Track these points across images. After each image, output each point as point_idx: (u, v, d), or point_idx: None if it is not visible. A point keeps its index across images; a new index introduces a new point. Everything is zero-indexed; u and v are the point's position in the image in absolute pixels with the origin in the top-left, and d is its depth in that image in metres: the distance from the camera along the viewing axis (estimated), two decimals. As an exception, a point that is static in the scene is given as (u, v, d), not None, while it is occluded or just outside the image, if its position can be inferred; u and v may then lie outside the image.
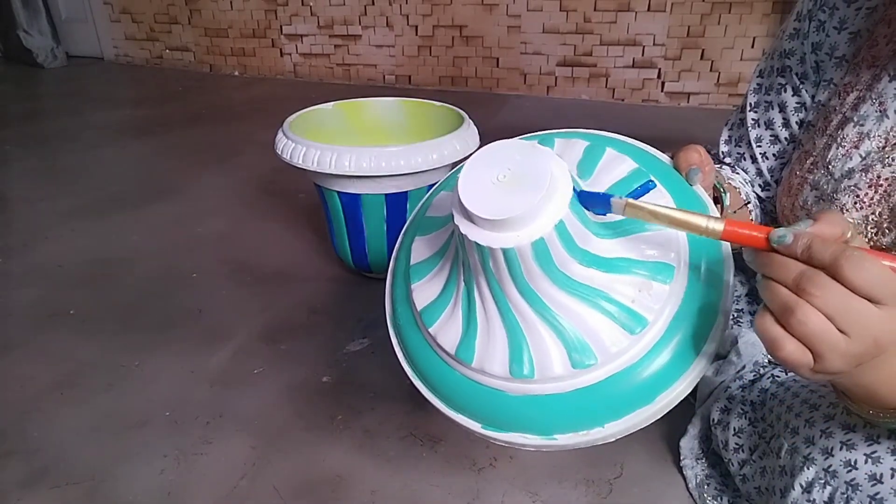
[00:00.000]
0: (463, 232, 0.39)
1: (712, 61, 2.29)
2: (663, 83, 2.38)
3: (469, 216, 0.39)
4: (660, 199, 0.44)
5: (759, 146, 0.69)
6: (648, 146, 0.51)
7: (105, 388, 0.88)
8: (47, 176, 1.75)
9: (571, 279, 0.41)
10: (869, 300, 0.32)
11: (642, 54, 2.37)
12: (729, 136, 0.73)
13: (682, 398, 0.42)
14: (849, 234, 0.36)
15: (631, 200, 0.38)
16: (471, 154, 0.49)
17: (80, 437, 0.79)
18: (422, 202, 0.57)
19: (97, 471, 0.74)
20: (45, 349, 0.98)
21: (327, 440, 0.79)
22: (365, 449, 0.77)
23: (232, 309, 1.07)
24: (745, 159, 0.71)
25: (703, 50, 2.28)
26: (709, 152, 0.74)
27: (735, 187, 0.67)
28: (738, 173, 0.72)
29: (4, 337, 1.01)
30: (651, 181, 0.45)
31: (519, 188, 0.38)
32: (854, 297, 0.32)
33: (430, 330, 0.46)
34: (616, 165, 0.46)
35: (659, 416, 0.42)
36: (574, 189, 0.39)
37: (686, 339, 0.41)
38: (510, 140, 0.41)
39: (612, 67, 2.42)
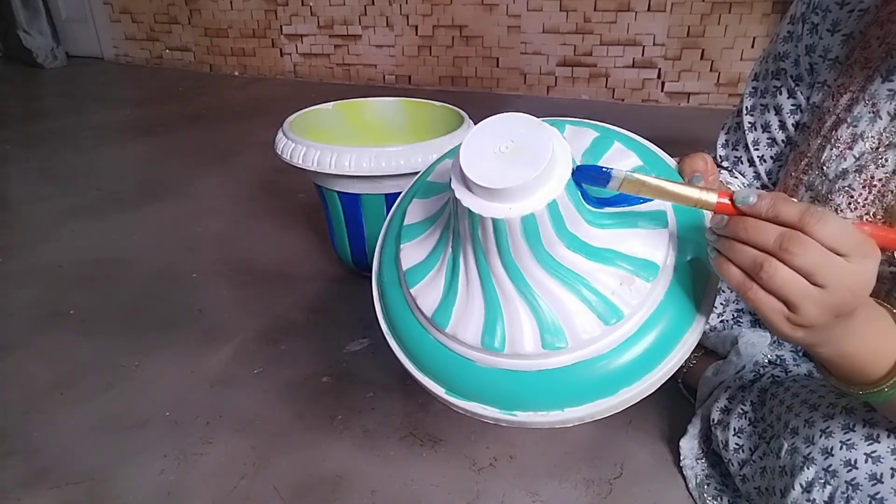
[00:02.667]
0: (457, 197, 0.39)
1: (712, 61, 2.29)
2: (663, 83, 2.38)
3: (466, 183, 0.39)
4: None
5: (757, 149, 0.69)
6: (657, 148, 0.51)
7: (105, 388, 0.88)
8: (47, 176, 1.75)
9: (556, 261, 0.41)
10: (835, 253, 0.34)
11: (642, 54, 2.37)
12: (726, 140, 0.73)
13: (643, 396, 0.42)
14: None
15: (629, 173, 0.38)
16: None
17: (80, 437, 0.80)
18: (426, 167, 0.58)
19: (97, 471, 0.74)
20: (45, 349, 0.98)
21: (327, 440, 0.79)
22: (365, 449, 0.77)
23: (232, 309, 1.07)
24: (742, 163, 0.72)
25: (703, 50, 2.28)
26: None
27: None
28: (735, 177, 0.72)
29: (4, 337, 1.01)
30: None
31: (519, 161, 0.38)
32: (828, 253, 0.34)
33: (411, 291, 0.46)
34: (620, 159, 0.46)
35: (618, 410, 0.43)
36: (574, 164, 0.40)
37: (659, 339, 0.42)
38: (518, 113, 0.41)
39: (612, 67, 2.42)
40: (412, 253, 0.48)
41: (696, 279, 0.43)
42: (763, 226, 0.35)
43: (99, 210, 1.49)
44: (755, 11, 2.17)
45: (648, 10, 2.29)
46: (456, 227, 0.43)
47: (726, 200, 0.37)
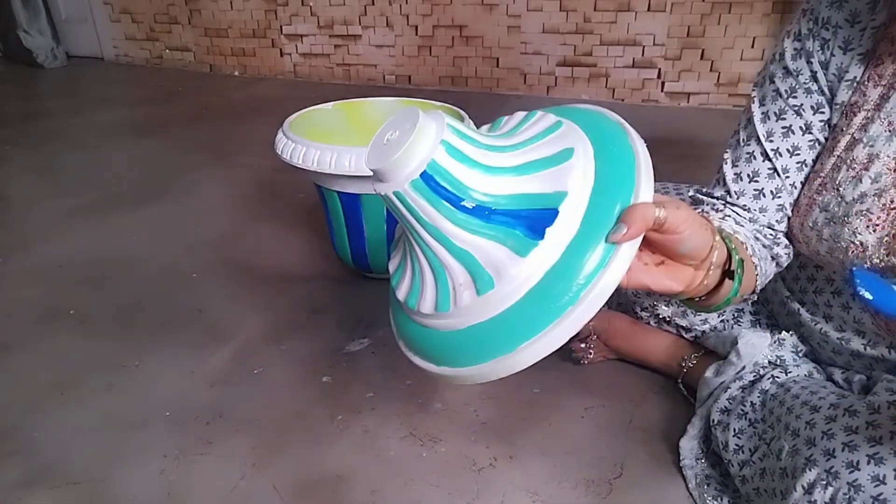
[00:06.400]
0: (374, 188, 0.46)
1: (712, 61, 2.29)
2: (663, 83, 2.38)
3: (375, 175, 0.46)
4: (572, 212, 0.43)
5: (771, 141, 0.62)
6: (617, 116, 0.51)
7: (105, 388, 0.88)
8: (47, 176, 1.75)
9: (460, 216, 0.43)
10: None
11: (642, 54, 2.37)
12: (737, 174, 0.65)
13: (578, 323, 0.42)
14: None
15: None
16: None
17: (80, 437, 0.79)
18: None
19: (97, 471, 0.74)
20: (45, 349, 0.98)
21: (327, 440, 0.78)
22: (365, 449, 0.77)
23: (232, 309, 1.07)
24: (763, 196, 0.63)
25: (703, 50, 2.28)
26: (709, 195, 0.66)
27: (742, 242, 0.59)
28: (742, 214, 0.64)
29: (4, 337, 1.01)
30: (554, 210, 0.43)
31: (397, 141, 0.44)
32: None
33: (395, 291, 0.50)
34: (539, 122, 0.49)
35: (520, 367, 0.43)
36: (450, 130, 0.44)
37: (589, 259, 0.41)
38: (405, 108, 0.47)
39: (612, 67, 2.42)
40: (393, 262, 0.53)
41: (611, 201, 0.43)
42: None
43: (99, 210, 1.49)
44: (755, 11, 2.17)
45: (648, 10, 2.29)
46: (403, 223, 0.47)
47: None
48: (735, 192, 0.64)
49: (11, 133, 2.12)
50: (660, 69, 2.37)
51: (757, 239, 0.62)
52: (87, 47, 3.48)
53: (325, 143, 0.96)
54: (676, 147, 1.81)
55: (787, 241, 0.64)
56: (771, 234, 0.63)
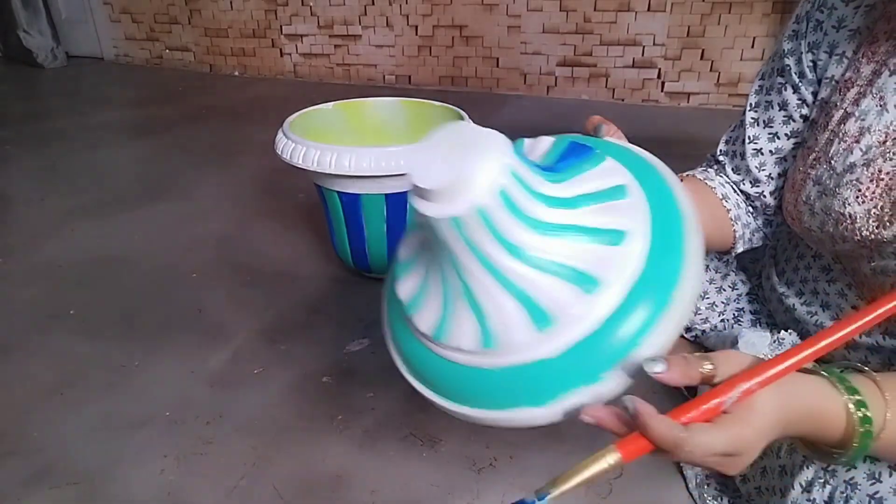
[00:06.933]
0: (415, 206, 0.41)
1: (712, 61, 2.29)
2: (663, 83, 2.38)
3: (421, 193, 0.40)
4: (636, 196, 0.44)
5: (756, 143, 0.69)
6: (654, 158, 0.50)
7: (105, 388, 0.88)
8: (47, 176, 1.75)
9: (520, 248, 0.41)
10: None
11: (642, 54, 2.37)
12: (728, 137, 0.74)
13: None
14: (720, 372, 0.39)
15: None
16: None
17: (80, 437, 0.80)
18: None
19: (97, 471, 0.74)
20: (45, 349, 0.98)
21: (327, 440, 0.79)
22: (365, 449, 0.77)
23: (232, 309, 1.07)
24: (737, 156, 0.72)
25: (703, 50, 2.28)
26: (712, 155, 0.73)
27: (724, 206, 0.69)
28: (721, 176, 0.71)
29: (4, 337, 1.01)
30: (592, 149, 0.45)
31: (457, 161, 0.40)
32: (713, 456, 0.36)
33: (413, 320, 0.46)
34: (610, 176, 0.46)
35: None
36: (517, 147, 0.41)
37: (649, 305, 0.40)
38: (455, 122, 0.43)
39: (612, 67, 2.42)
40: (406, 286, 0.49)
41: (671, 244, 0.42)
42: (659, 431, 0.37)
43: (99, 210, 1.49)
44: (755, 11, 2.17)
45: (648, 10, 2.29)
46: (431, 243, 0.43)
47: (620, 454, 0.39)
48: (721, 150, 0.72)
49: (11, 133, 2.12)
50: (660, 69, 2.37)
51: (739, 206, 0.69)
52: (87, 47, 3.49)
53: (325, 143, 0.96)
54: (676, 147, 1.81)
55: (767, 219, 0.71)
56: (752, 210, 0.70)
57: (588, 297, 0.40)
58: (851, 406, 0.40)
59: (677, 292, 0.41)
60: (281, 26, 2.96)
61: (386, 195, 0.99)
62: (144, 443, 0.78)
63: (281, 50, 3.02)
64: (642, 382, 0.41)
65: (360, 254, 1.09)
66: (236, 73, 3.18)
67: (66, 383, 0.89)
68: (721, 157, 0.72)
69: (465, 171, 0.38)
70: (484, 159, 0.39)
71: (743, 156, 0.70)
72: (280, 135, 1.03)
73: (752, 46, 2.22)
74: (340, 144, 0.96)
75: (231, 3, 3.02)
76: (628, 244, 0.41)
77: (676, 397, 0.81)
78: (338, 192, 1.01)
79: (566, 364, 0.41)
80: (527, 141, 0.51)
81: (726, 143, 0.73)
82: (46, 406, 0.85)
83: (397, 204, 1.01)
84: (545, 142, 0.49)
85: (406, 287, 0.48)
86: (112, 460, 0.76)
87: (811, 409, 0.40)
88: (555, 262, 0.41)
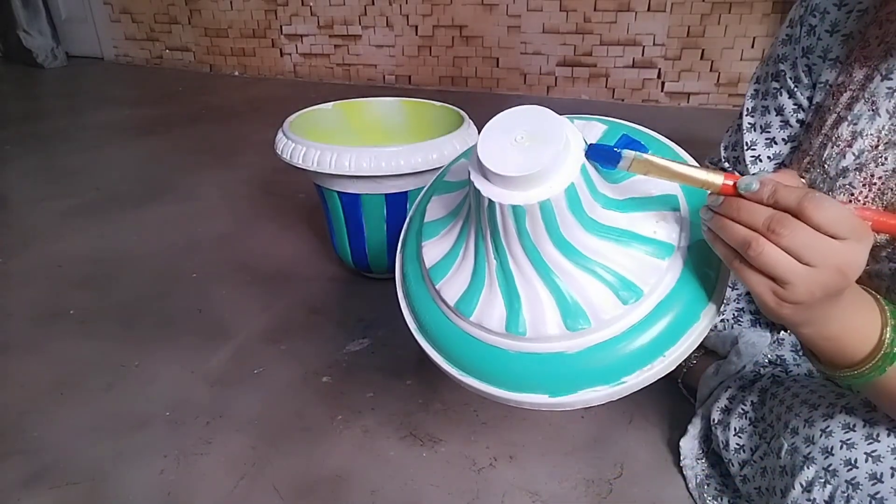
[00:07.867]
0: (477, 188, 0.40)
1: (712, 61, 2.29)
2: (663, 83, 2.38)
3: (485, 174, 0.40)
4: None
5: (754, 150, 0.69)
6: (664, 138, 0.51)
7: (105, 388, 0.88)
8: (47, 176, 1.75)
9: (572, 244, 0.41)
10: (832, 236, 0.35)
11: (642, 54, 2.37)
12: (727, 143, 0.74)
13: (649, 382, 0.42)
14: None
15: (639, 154, 0.39)
16: None
17: (80, 437, 0.79)
18: (442, 169, 0.58)
19: (97, 471, 0.74)
20: (45, 349, 0.98)
21: (327, 440, 0.79)
22: (365, 449, 0.77)
23: (232, 309, 1.07)
24: (739, 162, 0.72)
25: (703, 50, 2.28)
26: (714, 161, 0.74)
27: None
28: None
29: (4, 337, 1.01)
30: (644, 146, 0.46)
31: (534, 149, 0.39)
32: (817, 234, 0.35)
33: (436, 285, 0.47)
34: (633, 148, 0.47)
35: (634, 390, 0.43)
36: (585, 142, 0.40)
37: (674, 321, 0.41)
38: (531, 106, 0.43)
39: (612, 67, 2.42)
40: (434, 249, 0.48)
41: (708, 262, 0.43)
42: (755, 208, 0.37)
43: (99, 210, 1.49)
44: (755, 11, 2.17)
45: (648, 10, 2.29)
46: (476, 219, 0.43)
47: (731, 183, 0.38)
48: (724, 157, 0.73)
49: (11, 133, 2.12)
50: (660, 69, 2.37)
51: None
52: (87, 47, 3.49)
53: (325, 143, 0.96)
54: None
55: None
56: None
57: (626, 306, 0.41)
58: (888, 331, 0.41)
59: (708, 309, 0.42)
60: (281, 26, 2.96)
61: (386, 195, 0.99)
62: (144, 443, 0.78)
63: (281, 50, 3.02)
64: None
65: (360, 254, 1.09)
66: (236, 73, 3.18)
67: (66, 383, 0.89)
68: (725, 164, 0.74)
69: (545, 165, 0.38)
70: (564, 156, 0.39)
71: (742, 162, 0.70)
72: (280, 135, 1.03)
73: (752, 46, 2.22)
74: (340, 144, 0.96)
75: (231, 3, 3.02)
76: (675, 259, 0.42)
77: (676, 396, 0.81)
78: (338, 192, 1.01)
79: (586, 362, 0.42)
80: (577, 122, 0.51)
81: (725, 149, 0.74)
82: (46, 406, 0.85)
83: (397, 204, 1.01)
84: (597, 128, 0.50)
85: (434, 251, 0.48)
86: (112, 460, 0.76)
87: (858, 312, 0.42)
88: (602, 265, 0.42)
